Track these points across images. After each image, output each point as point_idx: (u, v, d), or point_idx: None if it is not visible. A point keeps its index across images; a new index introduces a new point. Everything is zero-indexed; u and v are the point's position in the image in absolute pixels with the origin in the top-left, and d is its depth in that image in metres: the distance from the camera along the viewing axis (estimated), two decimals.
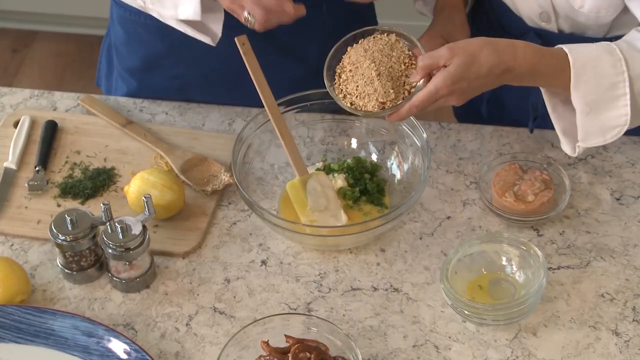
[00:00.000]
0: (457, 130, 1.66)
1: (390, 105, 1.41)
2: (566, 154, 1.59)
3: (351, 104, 1.43)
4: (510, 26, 1.60)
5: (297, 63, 1.70)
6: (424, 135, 1.52)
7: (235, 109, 1.71)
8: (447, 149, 1.63)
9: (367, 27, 1.48)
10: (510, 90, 1.62)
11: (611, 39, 1.44)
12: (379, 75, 1.41)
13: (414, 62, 1.43)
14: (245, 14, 1.42)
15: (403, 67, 1.43)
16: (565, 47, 1.39)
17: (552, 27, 1.54)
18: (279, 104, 1.55)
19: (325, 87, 1.47)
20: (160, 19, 1.54)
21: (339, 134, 1.63)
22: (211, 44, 1.53)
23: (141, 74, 1.73)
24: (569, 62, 1.37)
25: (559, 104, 1.44)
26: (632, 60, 1.38)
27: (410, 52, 1.44)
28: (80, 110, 1.73)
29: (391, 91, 1.41)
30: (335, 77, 1.46)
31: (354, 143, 1.63)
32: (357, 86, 1.42)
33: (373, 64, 1.42)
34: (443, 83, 1.35)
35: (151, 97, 1.74)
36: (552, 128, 1.62)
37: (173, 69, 1.72)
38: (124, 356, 1.35)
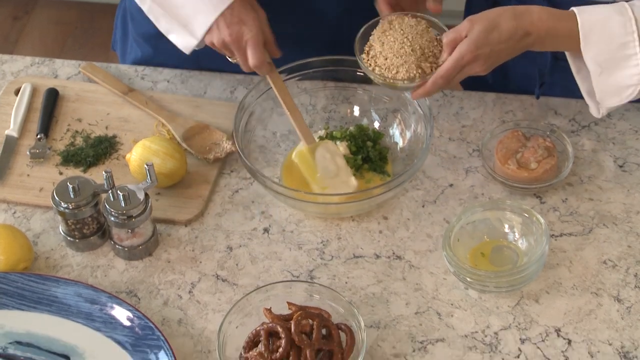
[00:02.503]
0: (460, 98, 1.65)
1: (419, 77, 1.42)
2: (569, 121, 1.59)
3: (380, 75, 1.44)
4: None
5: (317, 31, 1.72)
6: (427, 103, 1.51)
7: (236, 76, 1.71)
8: (449, 117, 1.63)
9: (401, 12, 1.49)
10: (517, 56, 1.61)
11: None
12: (412, 49, 1.42)
13: (442, 47, 1.44)
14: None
15: (432, 47, 1.43)
16: (575, 9, 1.39)
17: None
18: (280, 72, 1.55)
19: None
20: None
21: (341, 101, 1.63)
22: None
23: (156, 40, 1.71)
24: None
25: (583, 65, 1.44)
26: None
27: (439, 38, 1.45)
28: (81, 78, 1.73)
29: (420, 65, 1.42)
30: (366, 48, 1.47)
31: (356, 111, 1.62)
32: (387, 58, 1.43)
33: (406, 39, 1.43)
34: (467, 49, 1.38)
35: (165, 63, 1.74)
36: (557, 95, 1.62)
37: None
38: (127, 323, 1.35)
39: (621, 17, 1.38)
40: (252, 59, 1.49)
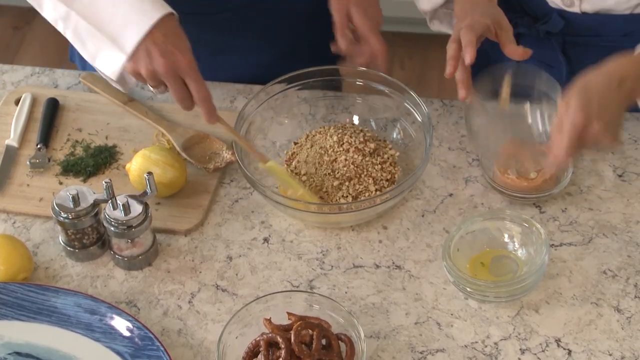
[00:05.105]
0: (459, 107, 1.66)
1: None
2: None
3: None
4: (531, 7, 1.59)
5: (269, 46, 1.71)
6: (426, 112, 1.52)
7: (236, 86, 1.71)
8: (449, 126, 1.63)
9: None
10: None
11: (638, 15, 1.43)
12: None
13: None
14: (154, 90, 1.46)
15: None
16: None
17: (575, 9, 1.54)
18: (280, 82, 1.56)
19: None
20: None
21: (340, 111, 1.63)
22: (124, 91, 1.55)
23: None
24: None
25: None
26: None
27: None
28: (81, 88, 1.73)
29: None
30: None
31: (355, 120, 1.62)
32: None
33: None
34: (573, 114, 1.31)
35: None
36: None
37: None
38: (127, 333, 1.35)
39: None
40: (199, 92, 1.42)
